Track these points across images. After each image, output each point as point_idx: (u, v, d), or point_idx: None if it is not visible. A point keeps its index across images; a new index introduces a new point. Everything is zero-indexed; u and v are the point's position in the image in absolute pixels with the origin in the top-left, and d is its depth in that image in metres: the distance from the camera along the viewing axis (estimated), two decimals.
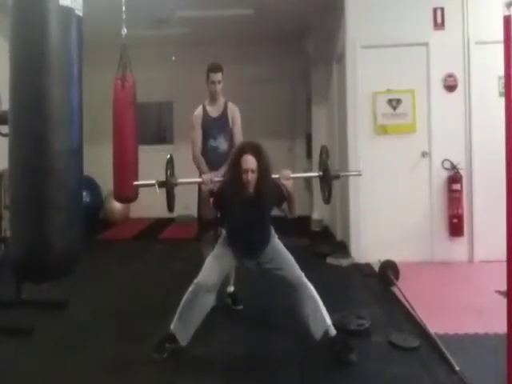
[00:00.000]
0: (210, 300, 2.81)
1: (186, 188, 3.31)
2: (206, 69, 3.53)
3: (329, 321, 2.75)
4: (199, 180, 2.99)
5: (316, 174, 2.93)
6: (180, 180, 2.85)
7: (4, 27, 1.96)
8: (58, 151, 1.76)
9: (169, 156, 2.84)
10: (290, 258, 2.84)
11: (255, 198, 2.72)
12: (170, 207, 2.81)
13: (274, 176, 2.75)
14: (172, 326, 2.78)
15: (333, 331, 2.75)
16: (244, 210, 2.73)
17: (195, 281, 2.79)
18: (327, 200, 2.91)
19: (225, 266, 2.87)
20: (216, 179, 2.88)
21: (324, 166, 2.87)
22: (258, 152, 2.69)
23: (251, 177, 2.66)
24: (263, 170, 2.68)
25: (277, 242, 2.89)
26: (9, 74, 1.78)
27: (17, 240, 1.81)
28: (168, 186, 2.77)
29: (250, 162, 2.65)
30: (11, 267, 1.91)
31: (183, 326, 2.77)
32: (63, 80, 1.78)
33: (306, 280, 2.78)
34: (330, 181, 2.82)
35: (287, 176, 2.76)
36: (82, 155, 1.91)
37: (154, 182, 2.77)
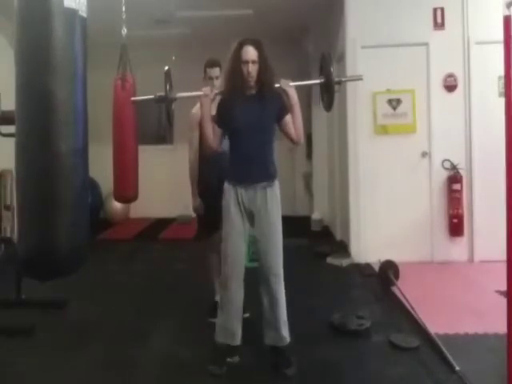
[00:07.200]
0: (240, 280, 2.64)
1: (187, 188, 3.30)
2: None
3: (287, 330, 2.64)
4: (199, 93, 2.70)
5: (318, 80, 2.88)
6: (179, 94, 2.72)
7: (3, 28, 1.97)
8: (64, 150, 1.78)
9: (166, 68, 2.70)
10: (279, 238, 2.63)
11: (257, 96, 2.59)
12: (170, 122, 2.75)
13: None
14: (220, 340, 2.64)
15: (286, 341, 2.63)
16: (246, 109, 2.56)
17: (221, 275, 2.65)
18: (328, 107, 2.82)
19: (239, 230, 2.60)
20: (216, 90, 2.74)
21: (326, 72, 2.79)
22: (257, 43, 2.57)
23: (252, 68, 2.53)
24: (264, 60, 2.55)
25: (277, 197, 2.64)
26: (14, 76, 1.80)
27: (24, 239, 1.83)
28: (167, 100, 2.67)
29: (250, 52, 2.54)
30: (18, 265, 1.93)
31: (227, 329, 2.64)
32: (68, 81, 1.81)
33: (282, 278, 2.61)
34: (332, 86, 2.73)
35: (287, 83, 2.67)
36: (88, 154, 1.93)
37: (152, 96, 2.70)
